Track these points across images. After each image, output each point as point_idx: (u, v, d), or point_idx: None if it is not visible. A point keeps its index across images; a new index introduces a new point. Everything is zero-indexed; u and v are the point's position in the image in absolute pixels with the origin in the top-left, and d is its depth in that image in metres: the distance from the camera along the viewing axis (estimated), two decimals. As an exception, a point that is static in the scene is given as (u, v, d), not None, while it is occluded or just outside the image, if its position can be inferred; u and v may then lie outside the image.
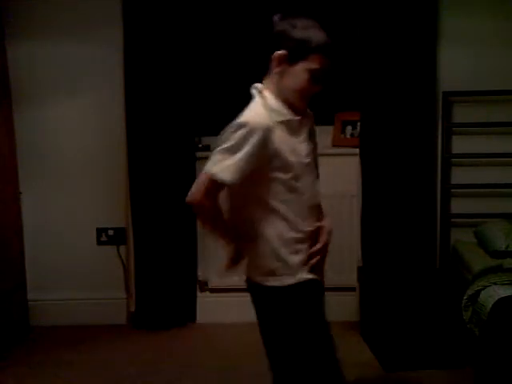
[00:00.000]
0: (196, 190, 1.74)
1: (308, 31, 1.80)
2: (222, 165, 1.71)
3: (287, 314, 1.81)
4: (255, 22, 3.62)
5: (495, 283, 2.64)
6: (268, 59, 1.86)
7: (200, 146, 3.66)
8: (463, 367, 2.87)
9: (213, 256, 3.61)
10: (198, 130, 3.66)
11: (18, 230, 3.60)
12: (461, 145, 3.49)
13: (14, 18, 3.48)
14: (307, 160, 1.83)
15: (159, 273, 3.58)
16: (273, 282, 1.79)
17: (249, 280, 1.89)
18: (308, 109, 1.91)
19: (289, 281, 1.79)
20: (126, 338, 3.48)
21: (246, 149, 1.69)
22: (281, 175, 1.75)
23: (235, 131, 1.71)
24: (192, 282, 3.66)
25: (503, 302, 2.48)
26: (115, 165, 3.59)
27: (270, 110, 1.77)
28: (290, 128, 1.79)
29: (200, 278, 3.66)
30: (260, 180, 1.76)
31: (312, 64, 1.76)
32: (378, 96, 3.39)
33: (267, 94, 1.81)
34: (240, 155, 1.69)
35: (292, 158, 1.76)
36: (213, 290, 3.68)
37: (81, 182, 3.64)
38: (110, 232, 3.67)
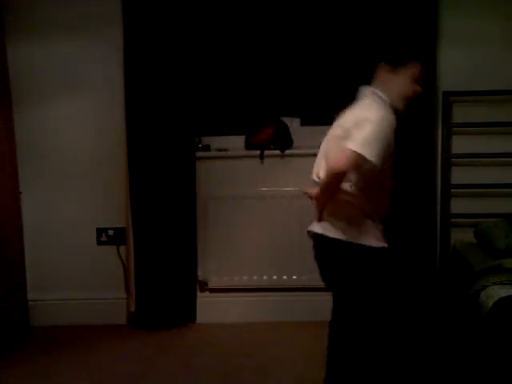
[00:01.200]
0: (342, 162, 2.01)
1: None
2: (370, 147, 2.00)
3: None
4: (256, 21, 3.63)
5: (495, 283, 2.64)
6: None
7: (200, 145, 3.66)
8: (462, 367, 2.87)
9: (213, 256, 3.63)
10: (198, 130, 3.66)
11: (18, 230, 3.60)
12: (461, 145, 3.49)
13: (14, 17, 3.49)
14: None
15: (159, 273, 3.58)
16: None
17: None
18: None
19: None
20: (125, 338, 3.48)
21: (384, 137, 2.04)
22: (386, 164, 2.10)
23: (371, 122, 2.04)
24: (192, 282, 3.66)
25: (503, 301, 2.48)
26: (115, 165, 3.59)
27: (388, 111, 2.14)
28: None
29: (200, 278, 3.66)
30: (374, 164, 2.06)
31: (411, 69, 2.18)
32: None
33: (382, 96, 2.19)
34: (381, 142, 2.03)
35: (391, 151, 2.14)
36: (213, 290, 3.69)
37: (81, 182, 3.64)
38: (110, 232, 3.67)
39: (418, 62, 2.20)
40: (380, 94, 2.19)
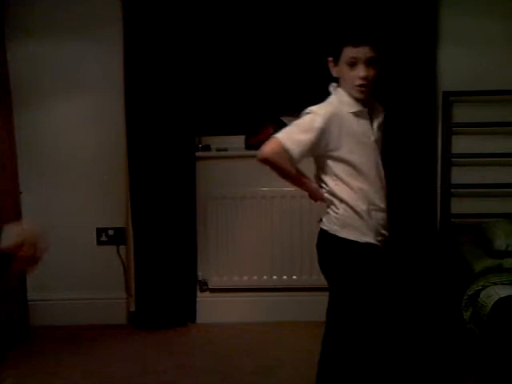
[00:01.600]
0: (265, 150, 2.11)
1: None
2: (292, 137, 2.07)
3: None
4: (256, 22, 3.63)
5: (495, 283, 2.64)
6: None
7: (200, 145, 3.66)
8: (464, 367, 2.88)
9: (213, 256, 3.63)
10: (198, 130, 3.66)
11: (18, 230, 3.60)
12: (461, 145, 3.49)
13: (14, 17, 3.48)
14: (374, 144, 2.18)
15: (159, 273, 3.58)
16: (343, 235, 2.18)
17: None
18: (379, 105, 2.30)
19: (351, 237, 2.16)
20: (125, 338, 3.48)
21: (314, 131, 2.06)
22: (347, 155, 2.10)
23: (307, 115, 2.11)
24: (192, 282, 3.66)
25: (503, 302, 2.48)
26: (115, 165, 3.59)
27: (343, 103, 2.16)
28: (362, 116, 2.17)
29: (200, 278, 3.66)
30: (329, 156, 2.12)
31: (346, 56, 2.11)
32: (378, 96, 3.38)
33: (339, 89, 2.20)
34: (308, 135, 2.06)
35: (362, 140, 2.14)
36: (213, 290, 3.69)
37: (81, 181, 3.64)
38: (110, 232, 3.67)
39: (348, 45, 2.10)
40: (336, 87, 2.21)
